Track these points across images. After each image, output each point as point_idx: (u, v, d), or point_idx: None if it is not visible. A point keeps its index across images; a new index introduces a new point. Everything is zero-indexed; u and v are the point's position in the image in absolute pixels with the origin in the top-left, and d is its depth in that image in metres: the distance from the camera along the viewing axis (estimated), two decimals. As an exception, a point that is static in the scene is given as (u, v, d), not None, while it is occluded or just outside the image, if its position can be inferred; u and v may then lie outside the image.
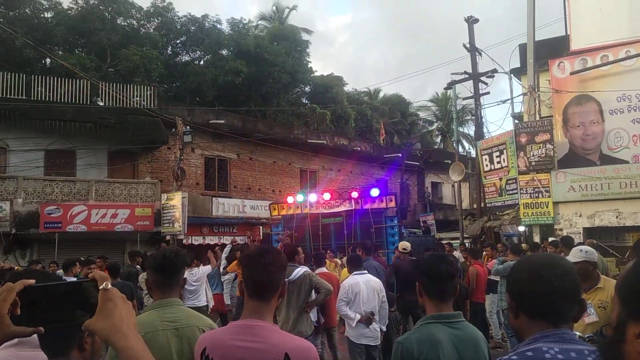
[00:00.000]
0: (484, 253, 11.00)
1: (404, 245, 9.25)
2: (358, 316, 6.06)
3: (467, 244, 17.00)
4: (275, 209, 16.12)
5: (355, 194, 14.79)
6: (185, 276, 3.49)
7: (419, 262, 2.69)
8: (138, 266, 9.85)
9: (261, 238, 19.53)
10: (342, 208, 14.89)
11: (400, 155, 28.03)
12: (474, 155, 22.37)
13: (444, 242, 16.72)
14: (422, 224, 25.43)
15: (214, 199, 19.63)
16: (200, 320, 2.83)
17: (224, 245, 11.35)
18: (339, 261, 11.95)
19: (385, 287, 6.69)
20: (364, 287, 6.12)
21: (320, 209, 15.10)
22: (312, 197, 15.41)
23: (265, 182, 21.98)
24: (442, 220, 28.78)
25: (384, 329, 6.38)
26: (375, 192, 14.56)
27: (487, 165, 16.93)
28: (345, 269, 7.86)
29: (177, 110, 18.50)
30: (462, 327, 2.54)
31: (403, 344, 2.50)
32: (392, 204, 14.35)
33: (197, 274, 8.13)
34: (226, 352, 2.10)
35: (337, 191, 15.63)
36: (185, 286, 7.35)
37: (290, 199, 15.65)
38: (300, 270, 5.95)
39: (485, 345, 2.58)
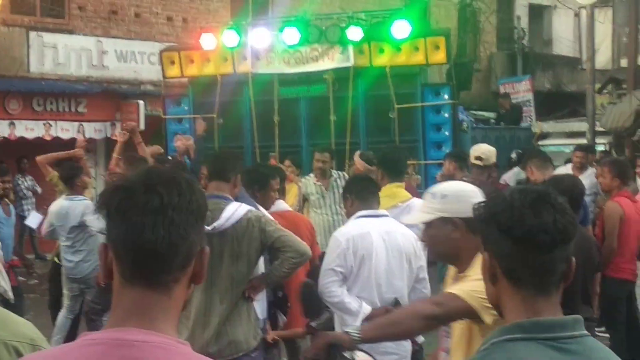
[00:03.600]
0: (638, 170, 10.96)
1: (479, 151, 9.19)
2: (367, 308, 5.81)
3: (602, 149, 16.92)
4: (174, 63, 14.76)
5: (356, 32, 13.52)
6: None
7: (491, 205, 2.40)
8: None
9: (138, 127, 17.17)
10: (325, 64, 13.97)
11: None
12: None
13: (548, 145, 14.80)
14: (499, 101, 23.55)
15: (32, 34, 17.75)
16: (9, 329, 2.71)
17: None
18: (309, 177, 11.34)
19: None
20: (380, 246, 5.83)
21: (276, 65, 14.28)
22: (259, 38, 14.11)
23: (152, -1, 20.65)
24: (549, 92, 27.59)
25: (422, 337, 6.29)
26: (401, 27, 13.27)
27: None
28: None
29: None
30: (582, 350, 2.30)
31: None
32: (440, 57, 13.59)
33: None
34: None
35: (315, 24, 14.17)
36: None
37: (207, 40, 14.29)
38: (238, 209, 5.68)
39: None
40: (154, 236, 1.90)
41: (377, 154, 8.26)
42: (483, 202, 2.44)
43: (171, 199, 1.93)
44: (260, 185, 6.26)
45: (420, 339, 6.39)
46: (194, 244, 2.00)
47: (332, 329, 5.87)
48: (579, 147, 13.92)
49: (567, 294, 5.35)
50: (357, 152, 10.21)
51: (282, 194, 7.75)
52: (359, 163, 9.86)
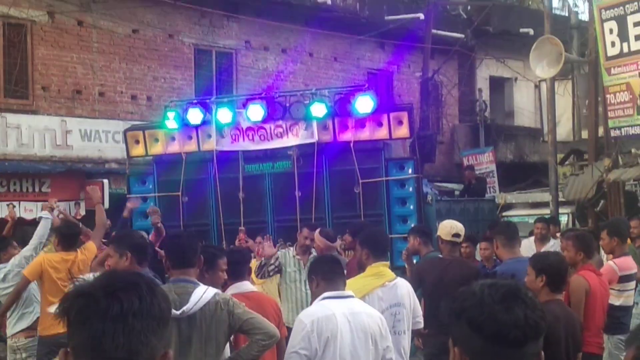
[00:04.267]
0: (602, 243, 10.21)
1: (457, 228, 9.03)
2: None
3: (565, 220, 16.86)
4: (138, 142, 14.60)
5: (320, 108, 13.47)
6: None
7: (461, 300, 2.38)
8: None
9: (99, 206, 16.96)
10: (290, 140, 13.89)
11: (421, 17, 26.33)
12: (586, 19, 21.48)
13: (512, 215, 14.51)
14: (466, 173, 23.87)
15: (-5, 115, 17.14)
16: None
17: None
18: (288, 250, 11.05)
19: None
20: (345, 327, 5.76)
21: (241, 143, 14.18)
22: (224, 115, 14.02)
23: (116, 77, 20.52)
24: (512, 163, 27.82)
25: None
26: (364, 103, 13.31)
27: (613, 45, 16.15)
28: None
29: None
30: None
31: None
32: (403, 132, 13.52)
33: None
34: None
35: (280, 100, 14.15)
36: None
37: (172, 118, 14.19)
38: (206, 292, 5.61)
39: None
40: (114, 344, 1.89)
41: (360, 233, 8.05)
42: (453, 296, 2.39)
43: (132, 304, 1.91)
44: (209, 266, 6.14)
45: None
46: (155, 349, 1.97)
47: None
48: (539, 219, 13.89)
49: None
50: (317, 230, 10.21)
51: (246, 273, 7.60)
52: (319, 240, 9.77)
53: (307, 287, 10.50)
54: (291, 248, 10.77)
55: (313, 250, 10.53)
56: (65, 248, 9.11)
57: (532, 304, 2.32)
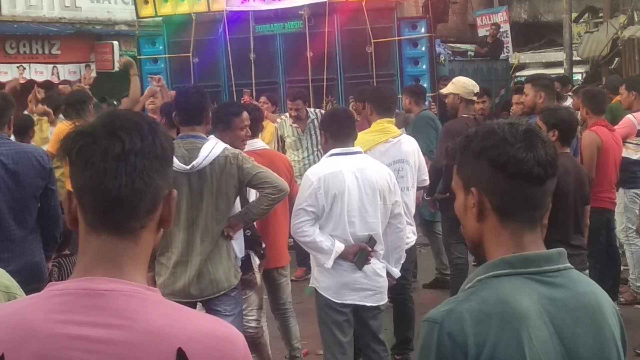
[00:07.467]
0: (620, 98, 10.30)
1: (474, 86, 8.63)
2: (340, 246, 5.82)
3: (580, 79, 16.80)
4: (147, 2, 14.45)
5: (330, -34, 13.30)
6: None
7: (480, 140, 2.35)
8: None
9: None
10: (301, 0, 13.69)
11: None
12: None
13: (526, 75, 16.15)
14: (491, 30, 23.23)
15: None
16: None
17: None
18: (285, 118, 10.90)
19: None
20: (352, 183, 5.83)
21: (251, 3, 14.02)
22: (234, -26, 13.90)
23: None
24: (526, 23, 27.48)
25: (398, 272, 6.33)
26: (375, -40, 13.20)
27: None
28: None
29: None
30: (566, 282, 2.30)
31: (442, 327, 2.29)
32: None
33: None
34: (46, 353, 1.83)
35: (291, -40, 13.83)
36: None
37: (180, -23, 14.08)
38: (215, 147, 5.62)
39: (614, 316, 2.40)
40: (116, 183, 1.87)
41: (364, 90, 8.04)
42: (467, 136, 2.36)
43: (133, 144, 1.89)
44: (225, 125, 6.08)
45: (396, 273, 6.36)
46: (159, 189, 1.95)
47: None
48: (555, 79, 13.91)
49: (559, 222, 5.20)
50: None
51: (260, 131, 7.59)
52: None
53: (308, 153, 10.53)
54: (284, 116, 10.74)
55: (310, 112, 10.46)
56: (71, 117, 8.72)
57: (549, 142, 2.34)
